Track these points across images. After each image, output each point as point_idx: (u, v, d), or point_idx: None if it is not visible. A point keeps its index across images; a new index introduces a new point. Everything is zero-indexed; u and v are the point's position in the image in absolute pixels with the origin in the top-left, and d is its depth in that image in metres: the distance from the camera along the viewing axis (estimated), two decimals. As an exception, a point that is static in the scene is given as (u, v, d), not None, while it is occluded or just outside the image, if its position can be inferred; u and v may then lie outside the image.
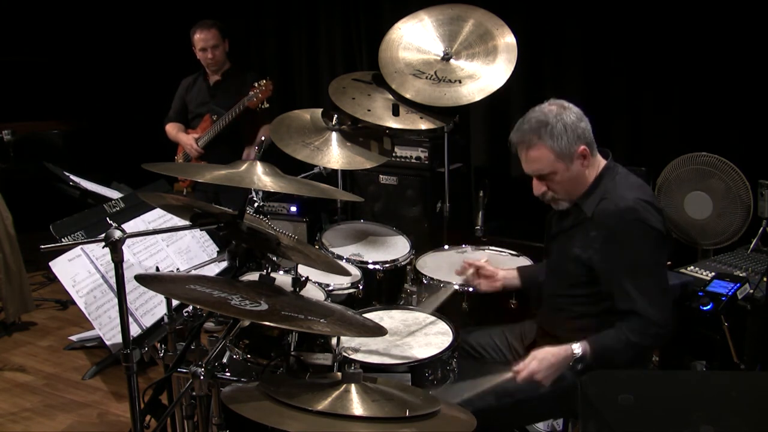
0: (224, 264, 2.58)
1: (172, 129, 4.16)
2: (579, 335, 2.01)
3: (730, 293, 2.56)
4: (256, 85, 3.67)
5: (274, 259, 1.95)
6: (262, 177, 1.87)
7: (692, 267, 2.89)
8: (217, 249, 2.85)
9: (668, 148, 3.53)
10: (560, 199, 2.09)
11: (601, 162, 2.08)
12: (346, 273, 2.28)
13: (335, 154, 2.93)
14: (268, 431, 1.55)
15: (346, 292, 2.55)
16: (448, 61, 3.13)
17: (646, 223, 1.93)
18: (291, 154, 2.90)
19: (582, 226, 2.06)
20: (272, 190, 1.89)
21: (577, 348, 1.94)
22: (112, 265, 1.61)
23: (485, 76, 3.03)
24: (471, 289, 2.45)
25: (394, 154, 3.58)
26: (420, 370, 2.00)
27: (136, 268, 2.51)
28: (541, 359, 1.94)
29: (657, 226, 1.94)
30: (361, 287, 2.59)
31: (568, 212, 2.13)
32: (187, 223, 1.94)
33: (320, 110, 3.16)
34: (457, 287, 2.49)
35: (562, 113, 1.99)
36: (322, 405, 1.49)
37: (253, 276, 1.89)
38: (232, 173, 1.89)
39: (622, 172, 2.08)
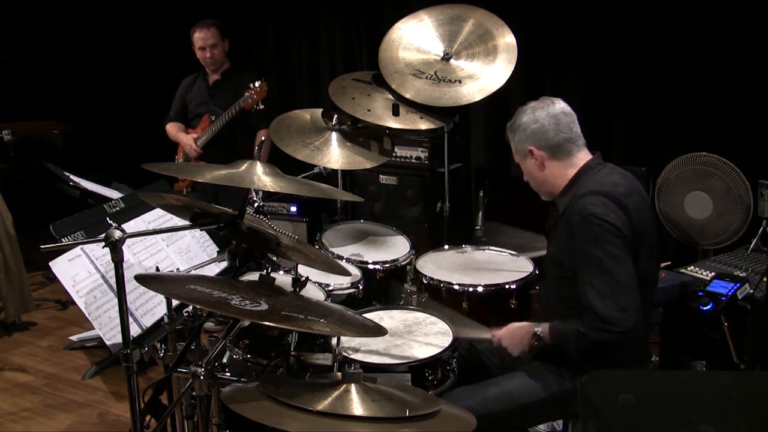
0: (224, 264, 2.59)
1: (172, 129, 4.16)
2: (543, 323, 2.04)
3: (730, 293, 2.56)
4: (251, 86, 3.67)
5: (274, 259, 1.95)
6: (262, 177, 1.87)
7: (692, 267, 2.89)
8: (217, 249, 2.85)
9: (668, 148, 3.54)
10: (534, 190, 2.19)
11: (577, 164, 2.05)
12: (346, 273, 2.28)
13: (335, 154, 2.93)
14: (268, 431, 1.55)
15: (346, 292, 2.55)
16: (448, 61, 3.13)
17: (600, 217, 1.88)
18: (291, 154, 2.90)
19: (557, 223, 2.08)
20: (272, 190, 1.89)
21: (539, 329, 2.02)
22: (112, 265, 1.61)
23: (485, 76, 3.03)
24: (471, 289, 2.45)
25: (394, 154, 3.58)
26: (420, 370, 2.00)
27: (136, 268, 2.51)
28: (508, 328, 2.10)
29: (610, 220, 1.87)
30: (361, 287, 2.59)
31: (555, 212, 2.15)
32: (187, 223, 1.94)
33: (320, 110, 3.16)
34: (457, 287, 2.49)
35: (525, 112, 2.09)
36: (322, 405, 1.49)
37: (253, 276, 1.89)
38: (232, 173, 1.89)
39: (604, 171, 2.04)
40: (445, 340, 2.13)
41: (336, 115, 3.03)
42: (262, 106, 3.71)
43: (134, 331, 2.35)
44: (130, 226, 2.59)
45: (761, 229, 3.02)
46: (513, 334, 2.08)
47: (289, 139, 2.95)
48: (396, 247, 2.94)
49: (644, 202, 2.03)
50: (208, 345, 2.01)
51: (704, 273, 2.80)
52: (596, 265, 1.88)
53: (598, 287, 1.86)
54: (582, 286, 1.90)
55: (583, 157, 2.06)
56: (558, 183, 2.07)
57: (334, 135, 3.00)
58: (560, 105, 2.06)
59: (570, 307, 2.02)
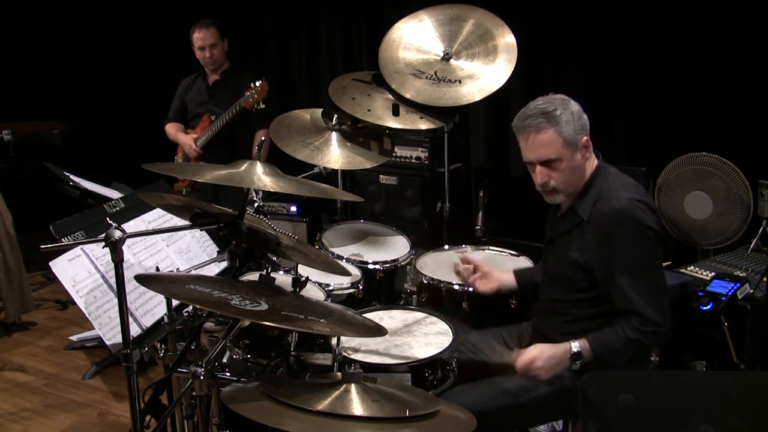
0: (224, 264, 2.59)
1: (171, 129, 4.16)
2: (578, 334, 2.01)
3: (730, 293, 2.56)
4: (251, 86, 3.67)
5: (274, 259, 1.95)
6: (262, 177, 1.87)
7: (692, 267, 2.89)
8: (217, 249, 2.85)
9: (668, 148, 3.53)
10: (559, 191, 2.06)
11: (594, 161, 2.08)
12: (346, 273, 2.28)
13: (335, 154, 2.93)
14: (268, 431, 1.55)
15: (346, 292, 2.55)
16: (448, 61, 3.13)
17: (641, 222, 1.93)
18: (291, 154, 2.90)
19: (578, 229, 2.06)
20: (272, 190, 1.89)
21: (576, 345, 1.95)
22: (112, 265, 1.61)
23: (485, 76, 3.03)
24: (471, 289, 2.45)
25: (394, 154, 3.58)
26: (420, 370, 2.00)
27: (136, 268, 2.51)
28: (542, 349, 1.98)
29: (652, 225, 1.94)
30: (361, 287, 2.59)
31: (564, 216, 2.13)
32: (187, 223, 1.94)
33: (320, 110, 3.16)
34: (457, 287, 2.49)
35: (567, 103, 2.02)
36: (322, 405, 1.49)
37: (253, 276, 1.89)
38: (232, 173, 1.88)
39: (614, 172, 2.08)
40: (445, 340, 2.13)
41: (336, 115, 3.03)
42: (262, 106, 3.71)
43: (134, 331, 2.35)
44: (130, 226, 2.59)
45: (761, 229, 3.02)
46: (548, 357, 1.97)
47: (289, 139, 2.95)
48: (396, 247, 2.94)
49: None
50: (208, 345, 2.01)
51: (704, 273, 2.80)
52: (641, 270, 1.93)
53: (644, 291, 1.92)
54: (622, 290, 1.93)
55: (593, 156, 2.09)
56: (582, 179, 2.06)
57: (334, 135, 3.00)
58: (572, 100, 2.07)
59: (579, 308, 2.07)
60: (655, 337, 1.94)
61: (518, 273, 2.42)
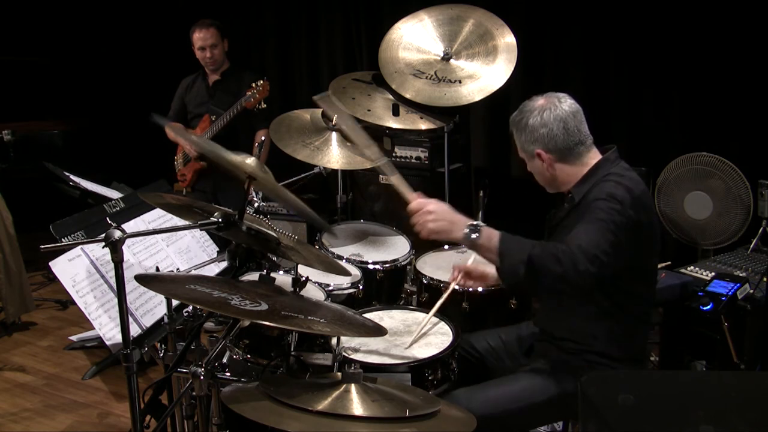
0: (224, 264, 2.59)
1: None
2: (578, 334, 2.00)
3: (730, 293, 2.56)
4: (253, 85, 3.67)
5: (274, 259, 1.95)
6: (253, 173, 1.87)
7: (692, 267, 2.89)
8: (217, 249, 2.85)
9: (668, 148, 3.53)
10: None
11: (588, 163, 2.04)
12: (346, 273, 2.28)
13: (335, 154, 2.93)
14: (268, 431, 1.55)
15: (346, 292, 2.55)
16: (448, 61, 3.13)
17: (617, 199, 1.86)
18: (291, 154, 2.90)
19: (572, 213, 2.03)
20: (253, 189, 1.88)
21: (481, 222, 1.87)
22: (112, 265, 1.61)
23: (485, 76, 3.03)
24: (471, 289, 2.45)
25: (394, 154, 3.59)
26: (420, 370, 2.00)
27: (136, 268, 2.51)
28: (442, 208, 1.92)
29: (627, 206, 1.86)
30: (361, 287, 2.59)
31: (563, 203, 2.12)
32: (187, 223, 1.93)
33: (320, 110, 3.17)
34: (457, 287, 2.49)
35: (532, 112, 2.02)
36: (322, 405, 1.49)
37: (253, 276, 1.89)
38: (227, 157, 1.88)
39: (622, 164, 2.05)
40: (445, 340, 2.13)
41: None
42: (264, 106, 3.71)
43: (134, 331, 2.34)
44: (130, 226, 2.59)
45: (761, 229, 3.02)
46: (442, 214, 1.90)
47: (289, 139, 2.96)
48: (396, 247, 2.94)
49: (652, 201, 2.05)
50: (208, 345, 2.01)
51: (704, 273, 2.80)
52: (597, 222, 1.83)
53: (588, 233, 1.81)
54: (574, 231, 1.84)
55: (594, 156, 2.05)
56: (569, 181, 2.05)
57: (333, 135, 3.00)
58: (567, 104, 2.02)
59: (579, 304, 2.04)
60: (566, 257, 1.74)
61: None
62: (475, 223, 1.86)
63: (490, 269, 2.34)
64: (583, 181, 2.04)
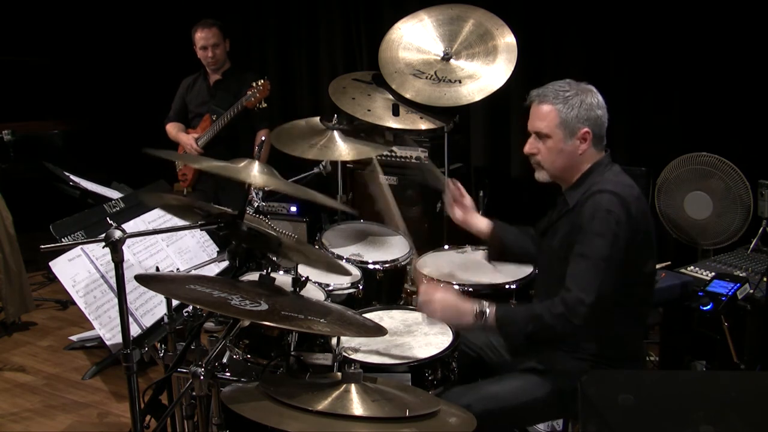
0: (224, 264, 2.59)
1: (172, 129, 4.17)
2: (570, 336, 2.00)
3: (730, 293, 2.56)
4: (254, 84, 3.67)
5: (274, 259, 1.95)
6: (258, 175, 1.87)
7: (692, 267, 2.89)
8: (217, 249, 2.85)
9: (668, 148, 3.53)
10: (543, 167, 2.07)
11: (596, 156, 2.05)
12: (346, 273, 2.28)
13: (343, 148, 2.93)
14: (268, 431, 1.55)
15: (346, 292, 2.55)
16: (448, 61, 3.13)
17: (613, 217, 1.88)
18: (300, 155, 2.90)
19: (564, 218, 2.05)
20: (267, 188, 1.89)
21: (486, 306, 1.92)
22: (112, 265, 1.61)
23: (485, 76, 3.03)
24: (471, 289, 2.45)
25: (394, 155, 3.59)
26: (420, 370, 2.00)
27: (136, 268, 2.51)
28: (447, 297, 1.97)
29: (623, 225, 1.88)
30: (361, 287, 2.59)
31: (555, 205, 2.12)
32: (187, 223, 1.93)
33: (317, 118, 3.17)
34: (457, 287, 2.49)
35: (587, 92, 2.01)
36: (322, 405, 1.49)
37: (253, 276, 1.89)
38: (229, 166, 1.88)
39: (614, 169, 2.05)
40: (445, 340, 2.13)
41: (336, 115, 3.03)
42: (264, 105, 3.71)
43: (134, 331, 2.34)
44: (130, 226, 2.58)
45: (761, 229, 3.02)
46: (448, 306, 1.96)
47: (294, 144, 2.95)
48: (396, 247, 2.94)
49: (647, 204, 2.05)
50: (208, 345, 2.01)
51: (704, 273, 2.80)
52: (589, 258, 1.87)
53: (580, 279, 1.86)
54: (567, 272, 1.89)
55: (600, 151, 2.07)
56: (581, 171, 2.04)
57: (336, 133, 3.00)
58: (599, 94, 2.04)
59: None
60: (560, 322, 1.84)
61: (495, 225, 2.37)
62: (481, 310, 1.92)
63: (477, 218, 2.39)
64: (577, 185, 2.04)
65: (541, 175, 2.10)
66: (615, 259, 1.87)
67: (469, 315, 1.93)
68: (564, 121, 1.99)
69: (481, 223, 2.38)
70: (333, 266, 2.04)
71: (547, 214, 2.22)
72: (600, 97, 2.03)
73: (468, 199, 2.40)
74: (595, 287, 1.85)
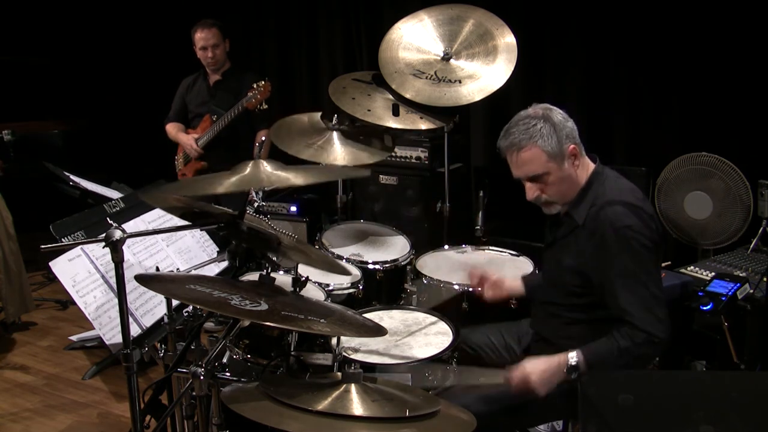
0: (224, 264, 2.59)
1: (172, 129, 4.17)
2: (571, 341, 2.00)
3: (730, 293, 2.56)
4: (254, 86, 3.67)
5: (274, 259, 1.95)
6: (271, 173, 1.84)
7: (692, 267, 2.89)
8: (217, 249, 2.85)
9: (668, 148, 3.53)
10: (553, 202, 2.06)
11: (590, 165, 2.06)
12: (346, 273, 2.28)
13: (339, 152, 2.93)
14: (268, 431, 1.55)
15: (346, 292, 2.55)
16: (448, 61, 3.13)
17: (635, 230, 1.91)
18: (295, 155, 2.90)
19: (574, 234, 2.04)
20: (285, 185, 1.87)
21: (573, 357, 1.93)
22: (112, 265, 1.60)
23: (485, 76, 3.03)
24: (471, 289, 2.45)
25: (394, 155, 3.58)
26: (420, 370, 2.00)
27: (136, 268, 2.51)
28: (535, 365, 1.95)
29: (646, 233, 1.92)
30: (361, 287, 2.59)
31: (561, 221, 2.11)
32: (187, 223, 1.93)
33: (318, 113, 3.16)
34: (456, 287, 2.49)
35: (549, 114, 2.00)
36: (322, 405, 1.49)
37: (253, 276, 1.89)
38: (241, 177, 1.84)
39: (611, 175, 2.06)
40: (445, 340, 2.13)
41: (336, 115, 3.03)
42: (265, 106, 3.71)
43: (134, 331, 2.35)
44: (130, 226, 2.59)
45: (761, 229, 3.02)
46: (541, 372, 1.94)
47: (291, 141, 2.95)
48: (396, 247, 2.94)
49: (650, 203, 2.09)
50: (208, 345, 2.01)
51: (704, 273, 2.80)
52: (635, 279, 1.91)
53: (638, 300, 1.90)
54: (615, 298, 1.92)
55: (587, 159, 2.07)
56: (577, 185, 2.04)
57: (335, 134, 3.00)
58: (554, 107, 2.05)
59: (575, 312, 2.06)
60: (648, 347, 1.91)
61: (526, 279, 2.41)
62: (570, 365, 1.92)
63: (508, 283, 2.36)
64: (579, 201, 2.04)
65: (552, 209, 2.09)
66: (651, 263, 1.94)
67: (562, 373, 1.93)
68: (551, 153, 1.98)
69: (514, 287, 2.39)
70: (333, 266, 2.04)
71: (546, 225, 2.21)
72: (560, 110, 2.03)
73: (491, 278, 2.39)
74: (655, 299, 1.91)
